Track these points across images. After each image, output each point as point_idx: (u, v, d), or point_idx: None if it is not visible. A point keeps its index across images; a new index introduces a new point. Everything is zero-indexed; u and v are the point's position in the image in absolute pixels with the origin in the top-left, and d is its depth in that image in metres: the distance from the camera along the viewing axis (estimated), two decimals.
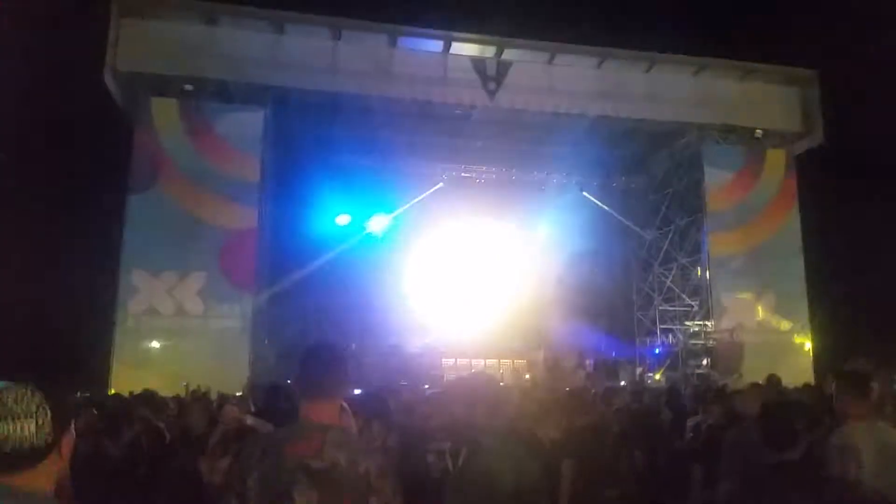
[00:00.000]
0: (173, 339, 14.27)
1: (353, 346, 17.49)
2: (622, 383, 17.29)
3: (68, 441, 1.71)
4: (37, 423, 1.63)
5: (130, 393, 8.48)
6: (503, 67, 15.97)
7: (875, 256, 15.92)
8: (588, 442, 5.01)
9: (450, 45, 15.95)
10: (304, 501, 2.07)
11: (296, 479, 2.08)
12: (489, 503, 3.04)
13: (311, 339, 14.71)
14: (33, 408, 1.63)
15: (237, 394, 10.44)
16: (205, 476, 4.33)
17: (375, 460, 2.17)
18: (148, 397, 7.03)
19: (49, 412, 1.65)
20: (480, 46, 16.14)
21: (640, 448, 5.83)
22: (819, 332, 17.05)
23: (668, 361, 19.47)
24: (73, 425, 1.72)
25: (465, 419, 4.97)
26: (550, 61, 16.45)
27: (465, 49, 16.11)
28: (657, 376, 18.81)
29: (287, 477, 2.09)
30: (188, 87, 14.76)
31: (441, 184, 19.06)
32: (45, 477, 1.65)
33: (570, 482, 4.86)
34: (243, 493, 2.10)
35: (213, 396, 9.12)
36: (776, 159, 17.79)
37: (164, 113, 14.86)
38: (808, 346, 17.14)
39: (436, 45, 16.00)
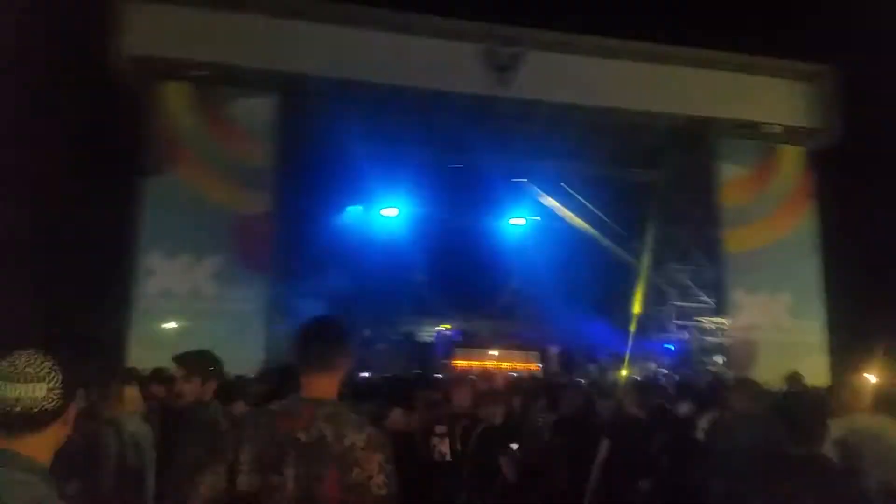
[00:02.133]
0: (188, 320, 14.35)
1: (367, 332, 17.57)
2: (636, 378, 17.19)
3: (73, 409, 1.70)
4: (48, 386, 1.62)
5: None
6: (517, 57, 15.85)
7: (892, 257, 15.65)
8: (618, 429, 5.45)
9: (464, 35, 15.92)
10: (292, 475, 2.07)
11: (285, 453, 2.10)
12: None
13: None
14: (44, 371, 1.63)
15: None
16: None
17: (363, 434, 2.18)
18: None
19: (60, 377, 1.64)
20: (495, 36, 16.04)
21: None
22: (835, 334, 16.79)
23: (681, 358, 19.29)
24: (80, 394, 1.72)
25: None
26: (564, 52, 16.34)
27: (480, 38, 16.02)
28: (669, 372, 18.66)
29: (277, 451, 2.12)
30: (201, 72, 14.77)
31: (453, 171, 18.92)
32: (46, 445, 1.65)
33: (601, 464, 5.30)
34: (236, 466, 2.11)
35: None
36: (792, 156, 17.62)
37: (177, 97, 14.89)
38: (824, 347, 16.89)
39: (451, 35, 15.94)
